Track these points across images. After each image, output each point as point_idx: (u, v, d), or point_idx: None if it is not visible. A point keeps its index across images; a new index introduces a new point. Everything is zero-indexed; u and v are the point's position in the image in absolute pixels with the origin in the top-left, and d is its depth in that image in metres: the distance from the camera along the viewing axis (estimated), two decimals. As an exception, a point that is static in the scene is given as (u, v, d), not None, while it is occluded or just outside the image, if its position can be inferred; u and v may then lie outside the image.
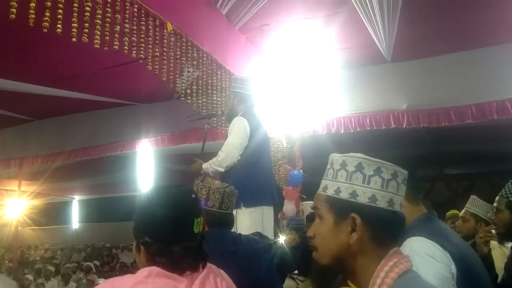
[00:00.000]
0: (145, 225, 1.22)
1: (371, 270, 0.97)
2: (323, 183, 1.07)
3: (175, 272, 1.16)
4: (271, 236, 2.67)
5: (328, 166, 1.08)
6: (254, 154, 2.99)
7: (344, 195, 1.01)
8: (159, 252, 1.17)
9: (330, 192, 1.03)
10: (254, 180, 2.92)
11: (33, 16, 2.05)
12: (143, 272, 1.14)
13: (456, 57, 4.90)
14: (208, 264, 1.27)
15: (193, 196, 1.27)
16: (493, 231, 2.72)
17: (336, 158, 1.06)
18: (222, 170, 3.00)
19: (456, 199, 9.35)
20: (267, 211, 3.02)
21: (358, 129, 5.16)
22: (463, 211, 3.41)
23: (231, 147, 2.96)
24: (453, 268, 1.56)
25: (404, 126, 5.00)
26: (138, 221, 1.23)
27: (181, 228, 1.20)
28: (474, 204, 3.33)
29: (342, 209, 1.00)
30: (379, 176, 1.00)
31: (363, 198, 0.99)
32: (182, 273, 1.17)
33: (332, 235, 1.01)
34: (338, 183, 1.02)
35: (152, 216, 1.21)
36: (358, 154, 1.03)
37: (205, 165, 3.09)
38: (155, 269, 1.15)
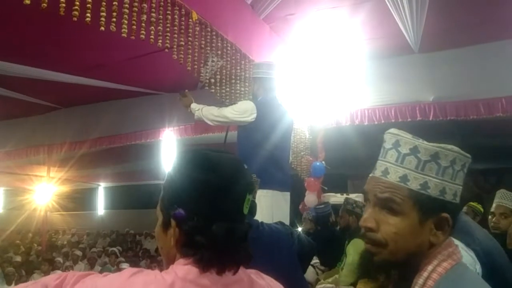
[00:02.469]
0: (178, 190, 0.86)
1: None
2: (400, 171, 0.91)
3: (213, 267, 0.83)
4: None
5: (407, 152, 0.92)
6: (272, 141, 2.98)
7: (434, 192, 0.89)
8: (197, 230, 0.83)
9: (415, 186, 0.89)
10: (267, 163, 2.91)
11: (63, 5, 2.10)
12: (170, 274, 0.82)
13: (486, 48, 4.76)
14: (249, 271, 0.93)
15: (246, 166, 0.96)
16: None
17: (424, 146, 0.91)
18: (207, 121, 3.11)
19: (483, 195, 9.11)
20: (277, 196, 2.99)
21: (383, 121, 5.07)
22: (501, 207, 3.19)
23: (223, 114, 3.04)
24: (478, 267, 1.53)
25: (430, 119, 4.89)
26: (169, 186, 0.89)
27: (227, 201, 0.85)
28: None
29: (432, 207, 0.89)
30: (463, 171, 0.92)
31: (449, 195, 0.90)
32: (222, 271, 0.84)
33: (414, 234, 0.90)
34: (426, 177, 0.89)
35: (190, 178, 0.85)
36: (455, 148, 0.91)
37: (194, 105, 3.20)
38: (188, 271, 0.82)
